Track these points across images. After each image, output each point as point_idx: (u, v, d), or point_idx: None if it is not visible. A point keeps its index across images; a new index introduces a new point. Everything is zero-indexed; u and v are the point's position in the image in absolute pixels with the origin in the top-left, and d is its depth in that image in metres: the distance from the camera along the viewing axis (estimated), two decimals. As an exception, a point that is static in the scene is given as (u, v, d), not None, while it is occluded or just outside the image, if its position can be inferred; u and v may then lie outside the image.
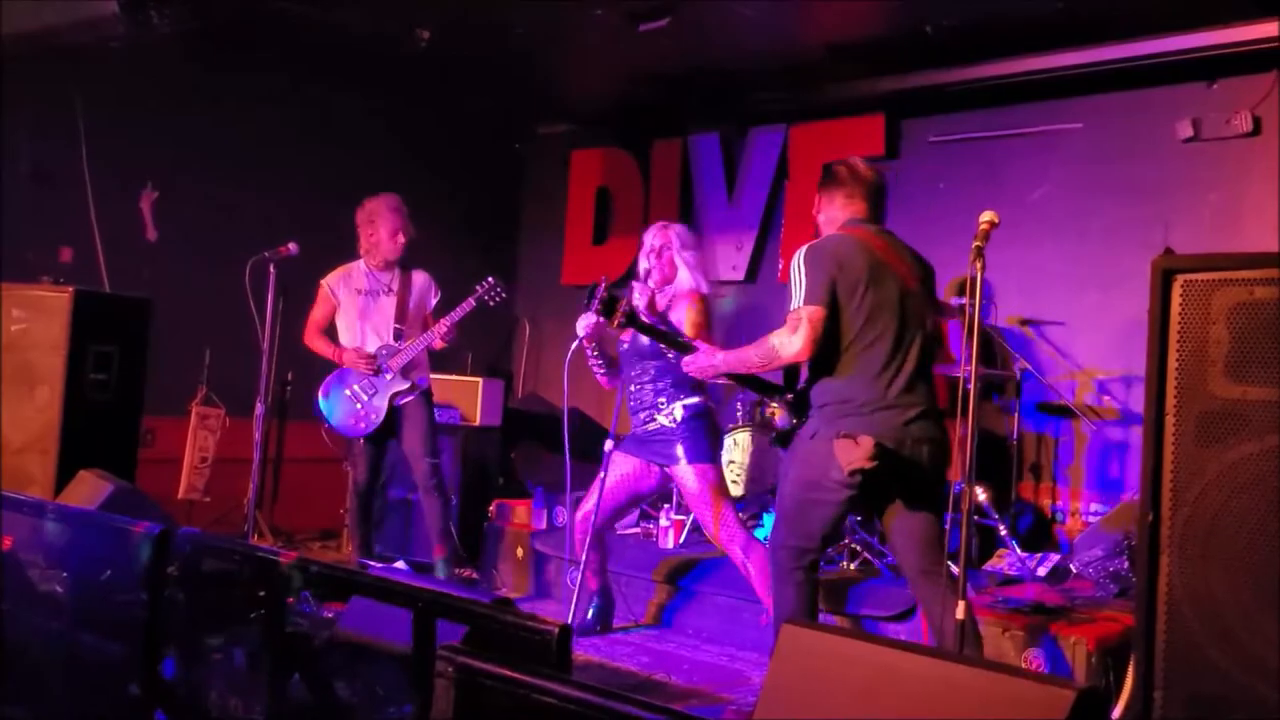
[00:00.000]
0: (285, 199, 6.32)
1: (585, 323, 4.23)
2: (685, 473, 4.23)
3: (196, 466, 5.96)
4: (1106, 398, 5.50)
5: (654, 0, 5.27)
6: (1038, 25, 5.26)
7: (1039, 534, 5.36)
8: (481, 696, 1.71)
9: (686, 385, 4.26)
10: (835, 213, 3.57)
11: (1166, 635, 2.22)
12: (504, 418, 6.44)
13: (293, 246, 5.04)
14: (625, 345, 4.37)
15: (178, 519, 5.01)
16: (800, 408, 3.49)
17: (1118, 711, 3.08)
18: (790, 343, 3.30)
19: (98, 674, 2.77)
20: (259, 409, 5.08)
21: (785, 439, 3.53)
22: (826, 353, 3.36)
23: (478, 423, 6.26)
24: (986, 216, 3.06)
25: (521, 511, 5.83)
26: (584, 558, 4.32)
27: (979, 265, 2.97)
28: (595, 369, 4.47)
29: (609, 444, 4.30)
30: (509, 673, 1.69)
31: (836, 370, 3.37)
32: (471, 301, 4.93)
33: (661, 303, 4.32)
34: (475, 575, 5.66)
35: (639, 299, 4.08)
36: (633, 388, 4.36)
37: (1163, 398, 2.25)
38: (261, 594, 2.50)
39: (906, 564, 3.44)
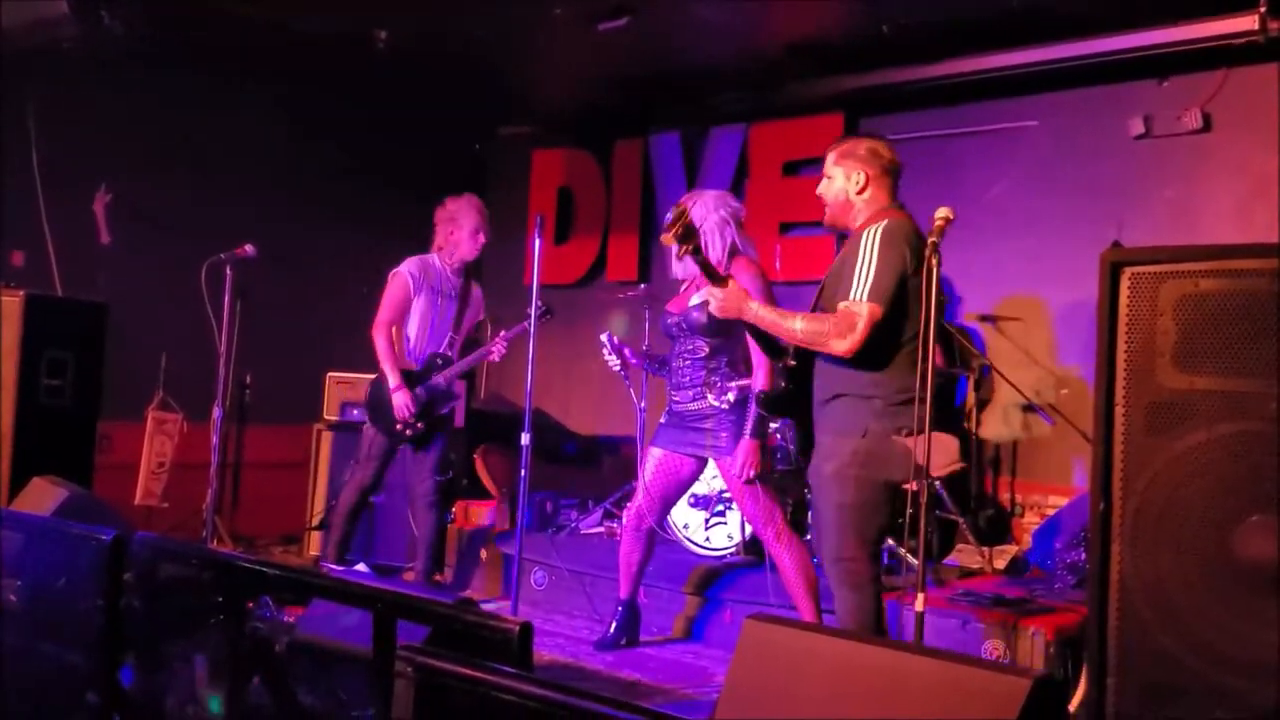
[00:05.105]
0: (241, 200, 6.26)
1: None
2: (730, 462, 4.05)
3: (154, 472, 5.88)
4: (1064, 391, 5.57)
5: (613, 0, 5.28)
6: (993, 24, 5.32)
7: (998, 527, 5.42)
8: (442, 696, 1.70)
9: (741, 366, 4.11)
10: (879, 192, 3.32)
11: (1119, 623, 2.25)
12: (467, 419, 6.41)
13: (249, 248, 4.99)
14: (674, 318, 4.22)
15: (136, 525, 4.93)
16: (796, 377, 3.34)
17: (1076, 700, 3.13)
18: (841, 340, 3.11)
19: (55, 683, 2.73)
20: (217, 413, 5.03)
21: (776, 404, 3.39)
22: (879, 342, 3.15)
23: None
24: (942, 213, 3.07)
25: (486, 512, 5.81)
26: (622, 560, 4.32)
27: (935, 261, 3.00)
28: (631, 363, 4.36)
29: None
30: (469, 671, 1.69)
31: (892, 362, 3.18)
32: (526, 325, 4.86)
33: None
34: (441, 579, 5.63)
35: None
36: (679, 363, 4.21)
37: (1112, 389, 2.28)
38: (220, 599, 2.47)
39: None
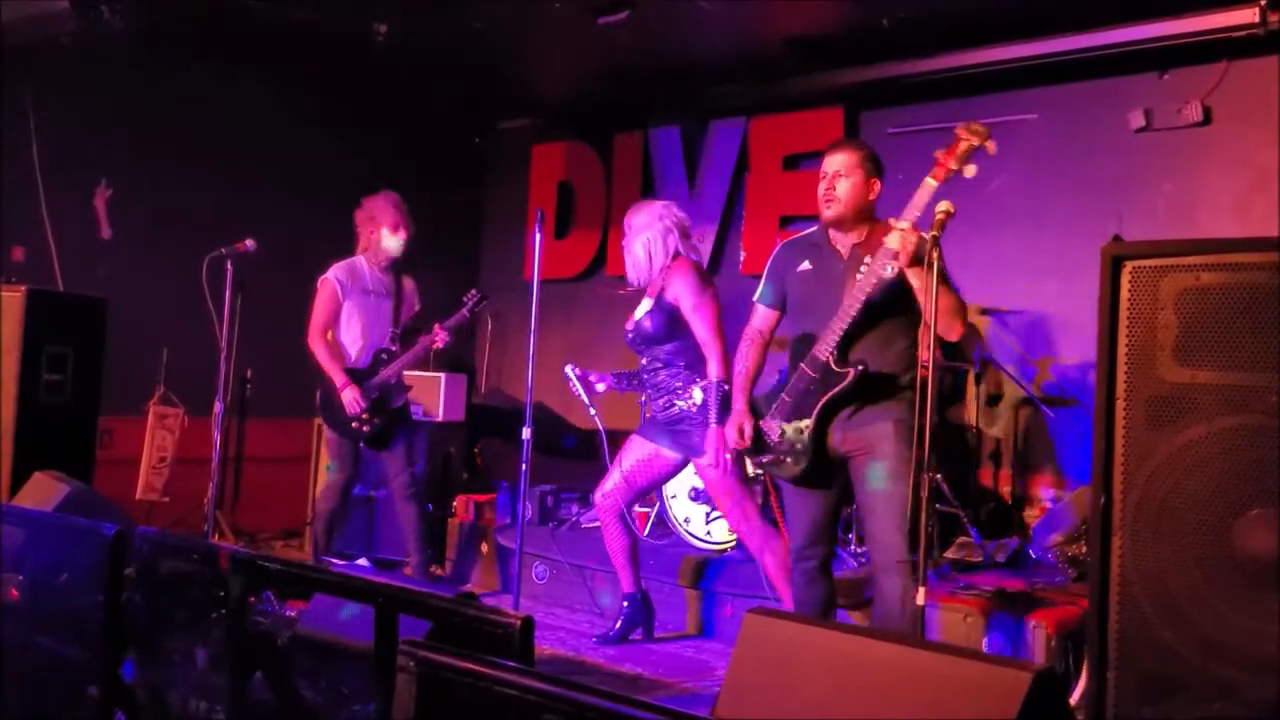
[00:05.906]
0: (242, 195, 6.25)
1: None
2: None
3: (155, 467, 5.89)
4: (1064, 385, 5.57)
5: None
6: (993, 17, 5.32)
7: (999, 520, 5.42)
8: (444, 690, 1.70)
9: (701, 366, 4.16)
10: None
11: (1119, 616, 2.25)
12: (467, 413, 6.42)
13: (250, 243, 4.99)
14: (630, 333, 4.31)
15: (137, 520, 4.93)
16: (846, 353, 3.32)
17: (1077, 693, 3.13)
18: (961, 324, 3.21)
19: (56, 678, 2.74)
20: (218, 407, 5.02)
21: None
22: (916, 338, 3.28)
23: (440, 418, 6.23)
24: (942, 206, 3.08)
25: (486, 507, 5.82)
26: (612, 551, 4.35)
27: (936, 254, 3.00)
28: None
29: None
30: (470, 665, 1.69)
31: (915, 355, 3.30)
32: (465, 313, 4.92)
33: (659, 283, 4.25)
34: (441, 572, 5.64)
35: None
36: (647, 375, 4.32)
37: (1113, 382, 2.28)
38: (221, 593, 2.48)
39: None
